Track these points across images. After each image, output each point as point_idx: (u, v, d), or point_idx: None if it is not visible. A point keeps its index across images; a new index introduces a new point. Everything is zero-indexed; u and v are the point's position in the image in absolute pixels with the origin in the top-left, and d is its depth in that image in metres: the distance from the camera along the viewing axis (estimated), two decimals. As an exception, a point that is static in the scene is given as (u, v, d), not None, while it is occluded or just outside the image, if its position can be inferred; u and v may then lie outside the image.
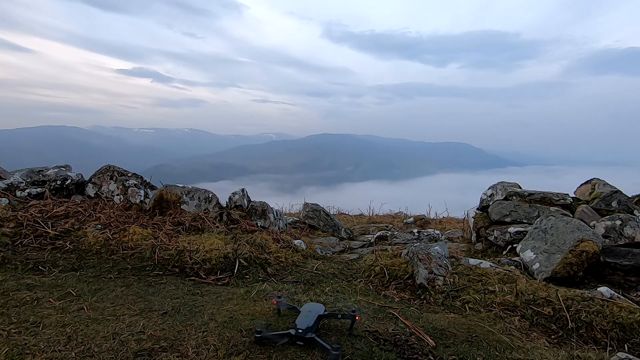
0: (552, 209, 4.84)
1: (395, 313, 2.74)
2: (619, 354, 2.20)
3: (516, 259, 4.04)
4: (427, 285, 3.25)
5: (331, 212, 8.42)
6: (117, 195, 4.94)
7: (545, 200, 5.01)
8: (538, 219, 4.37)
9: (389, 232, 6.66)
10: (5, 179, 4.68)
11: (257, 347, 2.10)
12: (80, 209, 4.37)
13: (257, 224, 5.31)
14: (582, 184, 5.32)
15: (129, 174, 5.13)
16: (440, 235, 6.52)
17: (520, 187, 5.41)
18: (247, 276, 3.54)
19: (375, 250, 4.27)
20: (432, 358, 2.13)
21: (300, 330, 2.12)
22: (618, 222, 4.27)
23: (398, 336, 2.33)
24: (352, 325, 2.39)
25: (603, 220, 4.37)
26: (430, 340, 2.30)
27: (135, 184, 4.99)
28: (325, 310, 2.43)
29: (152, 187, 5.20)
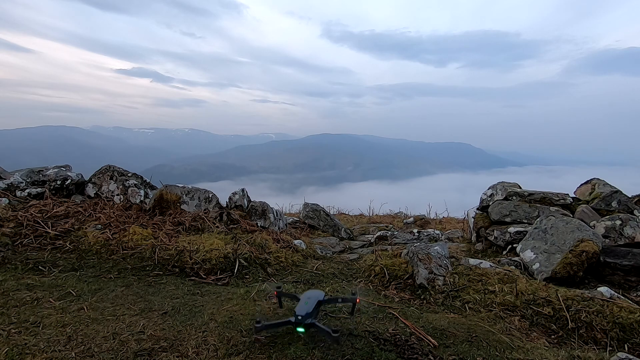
0: (552, 209, 4.84)
1: (395, 313, 2.74)
2: (619, 354, 2.20)
3: (516, 259, 4.03)
4: (427, 285, 3.25)
5: (331, 212, 8.42)
6: (117, 195, 4.94)
7: (545, 200, 5.01)
8: (538, 219, 4.37)
9: (389, 232, 6.66)
10: (5, 179, 4.68)
11: (257, 347, 2.10)
12: (80, 209, 4.37)
13: (257, 224, 5.31)
14: (582, 184, 5.32)
15: (129, 174, 5.13)
16: (440, 235, 6.52)
17: (520, 187, 5.41)
18: (247, 276, 3.54)
19: (375, 250, 4.27)
20: (432, 358, 2.13)
21: (299, 317, 2.09)
22: (618, 222, 4.27)
23: (398, 336, 2.33)
24: (354, 308, 2.35)
25: (603, 220, 4.37)
26: (433, 341, 2.30)
27: (135, 184, 4.99)
28: (325, 296, 2.39)
29: (152, 187, 5.20)
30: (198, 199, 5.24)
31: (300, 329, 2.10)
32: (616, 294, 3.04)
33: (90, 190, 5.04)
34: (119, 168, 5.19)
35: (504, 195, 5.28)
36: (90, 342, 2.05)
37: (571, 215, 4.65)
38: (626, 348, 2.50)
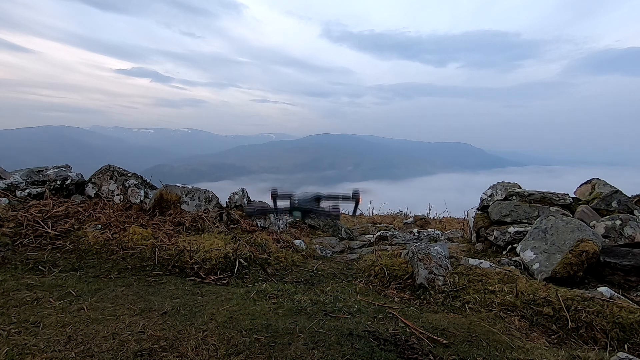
0: (552, 209, 4.84)
1: (395, 313, 2.74)
2: (619, 354, 2.20)
3: (516, 259, 4.03)
4: (427, 285, 3.25)
5: (331, 212, 8.41)
6: (117, 195, 4.94)
7: (545, 200, 5.01)
8: (538, 219, 4.37)
9: (389, 232, 6.65)
10: (5, 179, 4.68)
11: (257, 347, 2.10)
12: (80, 209, 4.37)
13: (257, 224, 5.31)
14: (582, 184, 5.32)
15: (129, 174, 5.13)
16: (440, 235, 6.51)
17: (520, 187, 5.41)
18: (247, 276, 3.54)
19: (375, 250, 4.27)
20: (432, 358, 2.13)
21: (296, 201, 1.99)
22: (618, 222, 4.27)
23: (398, 336, 2.33)
24: (356, 208, 2.23)
25: (603, 220, 4.37)
26: (442, 340, 2.30)
27: (135, 184, 4.99)
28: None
29: (152, 187, 5.20)
30: (198, 199, 5.24)
31: (297, 213, 1.99)
32: (616, 294, 3.04)
33: (90, 190, 5.04)
34: (119, 168, 5.19)
35: (504, 195, 5.28)
36: (90, 342, 2.05)
37: (571, 215, 4.64)
38: (626, 348, 2.50)
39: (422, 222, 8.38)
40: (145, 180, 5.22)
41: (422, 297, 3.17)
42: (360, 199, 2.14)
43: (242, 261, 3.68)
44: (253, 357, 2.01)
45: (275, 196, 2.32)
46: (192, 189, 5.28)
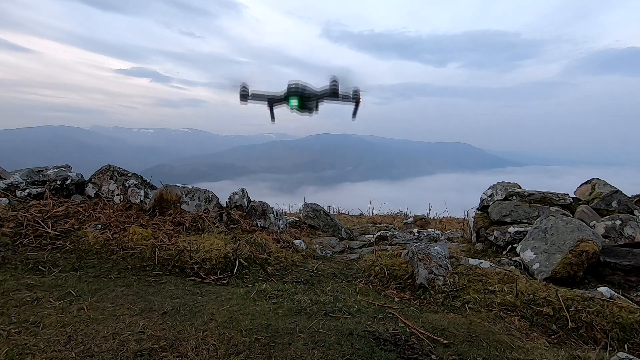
0: (552, 209, 4.84)
1: (395, 313, 2.74)
2: (619, 354, 2.20)
3: (516, 259, 4.03)
4: (427, 285, 3.25)
5: (331, 212, 8.41)
6: (117, 195, 4.94)
7: (545, 200, 5.01)
8: (538, 219, 4.37)
9: (389, 232, 6.65)
10: (5, 179, 4.68)
11: (257, 347, 2.10)
12: (80, 209, 4.37)
13: (257, 224, 5.31)
14: (582, 184, 5.32)
15: (129, 174, 5.13)
16: (440, 235, 6.51)
17: (520, 187, 5.41)
18: (247, 276, 3.54)
19: (375, 250, 4.27)
20: (432, 358, 2.13)
21: (292, 86, 1.88)
22: (618, 222, 4.27)
23: (398, 336, 2.33)
24: (356, 109, 2.13)
25: (603, 220, 4.37)
26: (443, 340, 2.30)
27: (135, 184, 4.99)
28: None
29: (152, 187, 5.20)
30: (198, 199, 5.24)
31: (294, 100, 1.87)
32: (616, 294, 3.04)
33: (90, 190, 5.04)
34: (119, 168, 5.19)
35: (504, 195, 5.28)
36: (90, 342, 2.05)
37: (571, 215, 4.64)
38: (626, 348, 2.50)
39: (422, 222, 8.38)
40: (145, 180, 5.22)
41: (422, 297, 3.17)
42: (360, 100, 2.03)
43: (242, 261, 3.68)
44: (253, 357, 2.01)
45: (272, 105, 2.23)
46: (192, 189, 5.28)
